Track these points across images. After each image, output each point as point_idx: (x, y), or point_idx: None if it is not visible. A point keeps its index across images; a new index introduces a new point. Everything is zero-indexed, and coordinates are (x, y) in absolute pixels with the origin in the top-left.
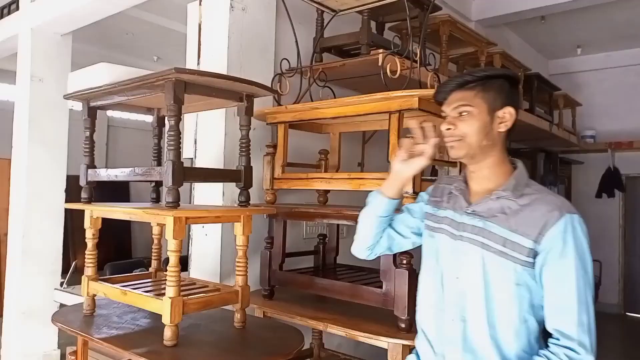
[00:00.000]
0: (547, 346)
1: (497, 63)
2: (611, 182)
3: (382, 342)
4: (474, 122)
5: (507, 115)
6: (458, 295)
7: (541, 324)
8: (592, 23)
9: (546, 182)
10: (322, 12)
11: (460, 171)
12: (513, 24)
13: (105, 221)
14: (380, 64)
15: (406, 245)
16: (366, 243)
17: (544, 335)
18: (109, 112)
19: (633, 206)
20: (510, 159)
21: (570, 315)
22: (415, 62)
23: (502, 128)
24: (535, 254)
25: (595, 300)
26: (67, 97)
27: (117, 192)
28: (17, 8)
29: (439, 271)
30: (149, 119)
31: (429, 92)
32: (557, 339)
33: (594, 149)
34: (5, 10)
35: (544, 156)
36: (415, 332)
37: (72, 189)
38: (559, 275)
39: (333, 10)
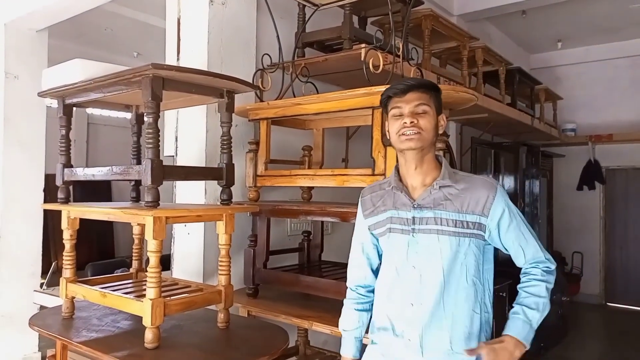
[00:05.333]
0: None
1: (479, 57)
2: (592, 174)
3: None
4: (431, 120)
5: (442, 121)
6: (415, 282)
7: (484, 285)
8: (572, 17)
9: (528, 176)
10: (304, 6)
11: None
12: (494, 18)
13: (87, 220)
14: (362, 58)
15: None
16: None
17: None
18: (89, 110)
19: (613, 198)
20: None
21: (534, 246)
22: (398, 56)
23: (440, 130)
24: (481, 226)
25: (577, 291)
26: (42, 94)
27: (98, 190)
28: None
29: (393, 265)
30: (130, 115)
31: None
32: (533, 267)
33: (575, 142)
34: None
35: (525, 150)
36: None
37: (52, 189)
38: (516, 230)
39: (315, 5)
